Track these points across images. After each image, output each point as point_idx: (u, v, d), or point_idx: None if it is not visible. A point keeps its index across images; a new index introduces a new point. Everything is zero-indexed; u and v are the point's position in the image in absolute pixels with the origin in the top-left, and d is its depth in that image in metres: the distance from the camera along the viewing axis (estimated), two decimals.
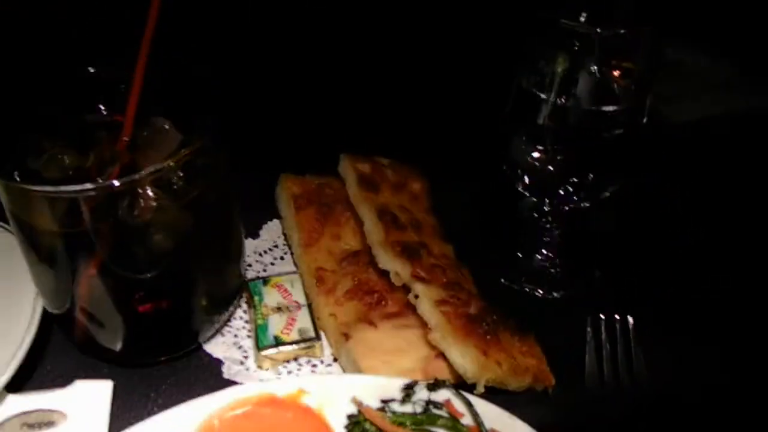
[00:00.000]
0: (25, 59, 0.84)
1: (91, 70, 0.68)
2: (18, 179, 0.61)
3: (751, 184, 0.97)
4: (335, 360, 0.70)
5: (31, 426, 0.67)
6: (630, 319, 0.71)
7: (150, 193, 0.60)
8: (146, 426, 0.61)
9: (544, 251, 0.81)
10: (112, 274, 0.63)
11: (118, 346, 0.69)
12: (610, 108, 0.66)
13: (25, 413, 0.68)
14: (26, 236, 0.64)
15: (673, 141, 1.04)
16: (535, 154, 0.71)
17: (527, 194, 0.76)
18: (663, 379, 0.67)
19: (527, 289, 0.79)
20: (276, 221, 0.86)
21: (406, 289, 0.70)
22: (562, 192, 0.73)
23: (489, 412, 0.60)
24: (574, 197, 0.73)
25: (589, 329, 0.70)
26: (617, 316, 0.71)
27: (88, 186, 0.57)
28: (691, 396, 0.69)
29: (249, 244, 0.83)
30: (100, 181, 0.60)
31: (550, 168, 0.71)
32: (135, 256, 0.63)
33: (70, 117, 0.67)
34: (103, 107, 0.68)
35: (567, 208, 0.75)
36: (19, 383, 0.69)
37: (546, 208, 0.77)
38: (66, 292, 0.65)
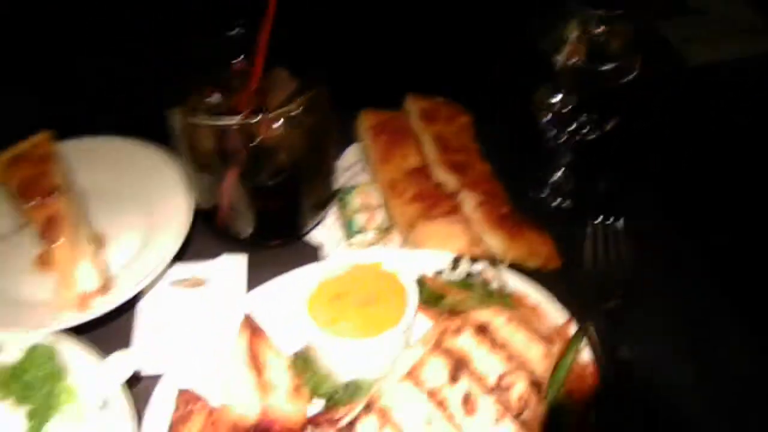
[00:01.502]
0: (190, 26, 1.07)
1: (234, 32, 0.91)
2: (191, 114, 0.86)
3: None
4: (404, 246, 0.97)
5: (190, 286, 0.95)
6: (621, 222, 0.95)
7: (277, 124, 0.86)
8: (274, 283, 0.88)
9: (560, 171, 1.05)
10: (248, 181, 0.89)
11: (249, 232, 0.96)
12: (606, 66, 0.89)
13: (185, 279, 0.95)
14: (190, 153, 0.91)
15: (686, 83, 1.23)
16: (554, 99, 0.95)
17: (550, 127, 1.00)
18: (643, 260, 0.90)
19: (546, 199, 1.04)
20: (355, 145, 1.11)
21: (455, 195, 0.97)
22: (574, 125, 0.97)
23: (511, 278, 0.86)
24: (584, 130, 0.97)
25: (589, 229, 0.95)
26: (612, 218, 0.95)
27: (236, 120, 0.83)
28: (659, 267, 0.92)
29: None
30: (244, 116, 0.84)
31: (565, 109, 0.95)
32: (264, 169, 0.89)
33: (221, 67, 0.91)
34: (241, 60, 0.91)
35: (578, 138, 0.99)
36: (180, 257, 0.96)
37: (563, 138, 1.00)
38: (214, 193, 0.92)
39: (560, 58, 0.90)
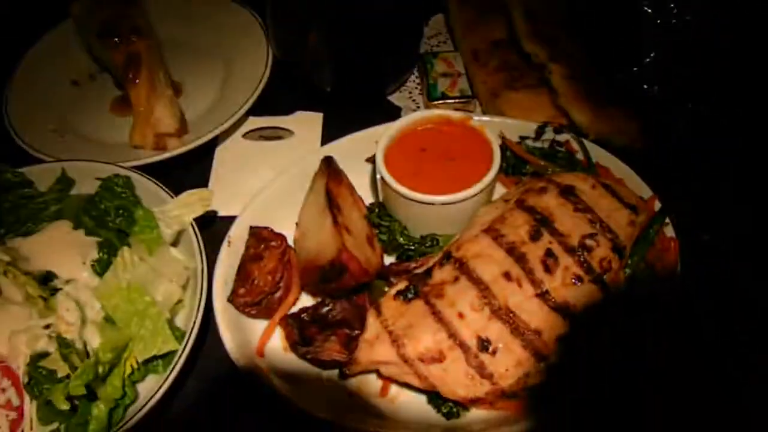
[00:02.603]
0: None
1: None
2: None
3: None
4: (484, 114, 0.94)
5: (266, 138, 0.95)
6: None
7: None
8: (353, 136, 0.87)
9: (652, 56, 1.00)
10: (336, 34, 0.88)
11: (329, 89, 0.95)
12: None
13: (261, 128, 0.96)
14: (281, 5, 0.90)
15: None
16: None
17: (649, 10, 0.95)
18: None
19: (635, 81, 1.00)
20: (440, 15, 1.09)
21: (541, 68, 0.94)
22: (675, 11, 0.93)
23: (595, 150, 0.83)
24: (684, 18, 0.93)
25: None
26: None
27: None
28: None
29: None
30: None
31: None
32: (358, 26, 0.88)
33: None
34: None
35: (676, 26, 0.94)
36: (257, 111, 0.96)
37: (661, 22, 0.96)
38: (299, 44, 0.91)
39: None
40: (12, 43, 1.07)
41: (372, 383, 0.71)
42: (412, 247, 0.77)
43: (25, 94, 1.00)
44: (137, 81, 0.89)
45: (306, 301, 0.76)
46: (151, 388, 0.69)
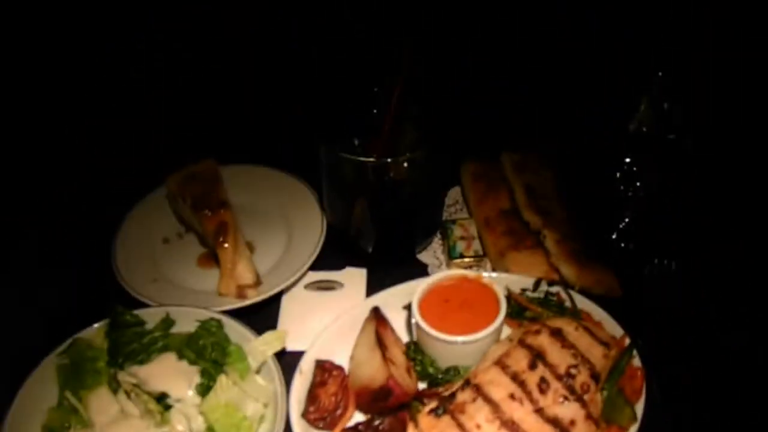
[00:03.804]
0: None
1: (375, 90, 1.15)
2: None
3: None
4: (493, 270, 1.19)
5: (322, 288, 1.18)
6: (673, 264, 1.16)
7: (404, 165, 1.09)
8: (392, 291, 1.12)
9: (626, 220, 1.25)
10: (376, 207, 1.13)
11: (370, 249, 1.19)
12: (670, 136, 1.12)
13: (318, 281, 1.20)
14: (331, 182, 1.15)
15: None
16: (626, 159, 1.19)
17: (620, 183, 1.22)
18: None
19: (614, 241, 1.24)
20: (457, 188, 1.35)
21: (538, 233, 1.19)
22: (639, 183, 1.20)
23: (580, 300, 1.07)
24: (648, 187, 1.19)
25: (647, 268, 1.16)
26: (667, 261, 1.17)
27: (373, 160, 1.08)
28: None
29: None
30: (378, 157, 1.08)
31: (634, 168, 1.18)
32: (389, 199, 1.13)
33: (362, 119, 1.16)
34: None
35: (642, 193, 1.20)
36: (314, 267, 1.20)
37: (630, 192, 1.22)
38: (347, 215, 1.16)
39: (632, 126, 1.13)
40: (112, 204, 1.32)
41: None
42: (440, 376, 0.99)
43: (128, 250, 1.22)
44: (226, 245, 1.14)
45: (358, 416, 0.98)
46: None
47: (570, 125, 1.39)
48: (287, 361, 1.03)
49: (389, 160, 1.07)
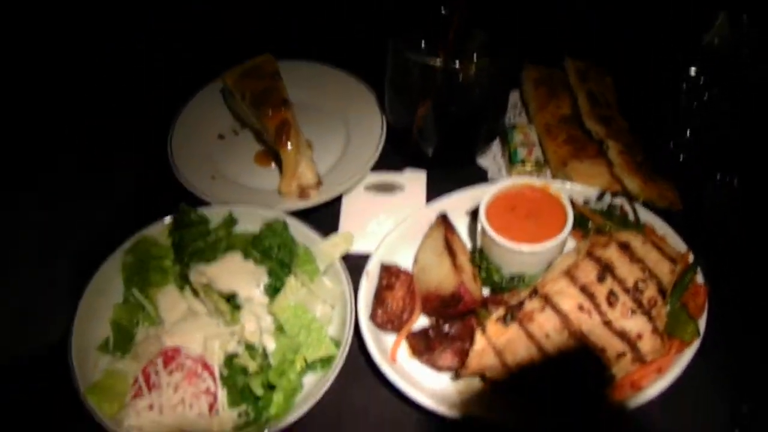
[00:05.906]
0: None
1: None
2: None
3: None
4: (553, 178, 1.19)
5: (382, 190, 1.18)
6: (735, 180, 1.16)
7: (472, 69, 1.07)
8: (454, 197, 1.12)
9: (688, 133, 1.24)
10: (440, 110, 1.11)
11: (431, 153, 1.19)
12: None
13: (379, 183, 1.20)
14: (396, 82, 1.14)
15: None
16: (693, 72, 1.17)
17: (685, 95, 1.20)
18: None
19: (674, 154, 1.24)
20: (516, 92, 1.33)
21: (599, 142, 1.19)
22: (706, 96, 1.18)
23: (644, 214, 1.07)
24: (713, 101, 1.18)
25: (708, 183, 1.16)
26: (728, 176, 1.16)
27: (440, 60, 1.05)
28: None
29: None
30: (445, 58, 1.06)
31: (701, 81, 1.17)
32: (454, 102, 1.11)
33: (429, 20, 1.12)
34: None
35: (707, 107, 1.19)
36: (374, 168, 1.19)
37: (695, 105, 1.20)
38: (409, 117, 1.14)
39: (707, 37, 1.10)
40: (168, 99, 1.31)
41: (476, 384, 0.95)
42: (504, 284, 1.01)
43: (185, 146, 1.22)
44: (288, 144, 1.13)
45: (422, 320, 1.00)
46: (313, 382, 0.94)
47: (636, 34, 1.37)
48: (349, 263, 1.04)
49: (460, 64, 1.05)
